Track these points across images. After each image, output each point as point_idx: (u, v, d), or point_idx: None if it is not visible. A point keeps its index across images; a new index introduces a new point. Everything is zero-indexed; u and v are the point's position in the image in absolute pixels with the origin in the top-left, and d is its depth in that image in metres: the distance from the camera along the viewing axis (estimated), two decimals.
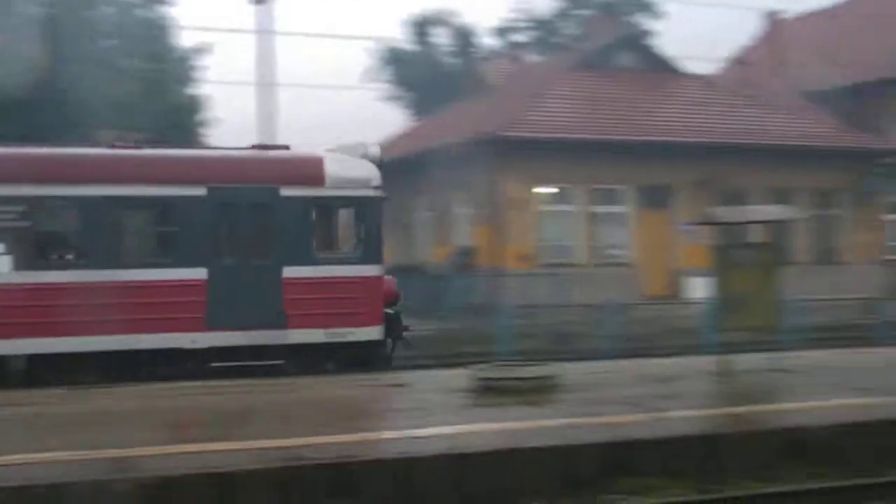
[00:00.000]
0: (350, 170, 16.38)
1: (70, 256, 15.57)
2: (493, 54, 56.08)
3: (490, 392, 13.04)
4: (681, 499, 9.44)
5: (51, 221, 15.64)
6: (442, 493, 9.34)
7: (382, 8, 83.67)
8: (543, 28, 58.55)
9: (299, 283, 15.78)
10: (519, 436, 10.28)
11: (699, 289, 24.66)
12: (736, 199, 30.27)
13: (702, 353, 17.25)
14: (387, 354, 16.91)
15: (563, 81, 35.33)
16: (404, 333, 17.06)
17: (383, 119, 52.92)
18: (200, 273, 15.43)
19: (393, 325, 16.71)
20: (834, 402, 12.25)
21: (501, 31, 58.66)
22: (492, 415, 11.50)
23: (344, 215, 16.67)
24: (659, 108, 34.26)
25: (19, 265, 14.75)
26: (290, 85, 63.03)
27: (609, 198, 32.23)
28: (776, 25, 44.85)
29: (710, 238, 15.75)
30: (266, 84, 32.18)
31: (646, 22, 54.33)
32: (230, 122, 41.59)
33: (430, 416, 11.53)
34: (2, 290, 14.64)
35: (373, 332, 16.25)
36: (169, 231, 15.66)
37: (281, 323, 15.68)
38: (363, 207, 16.32)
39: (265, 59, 32.10)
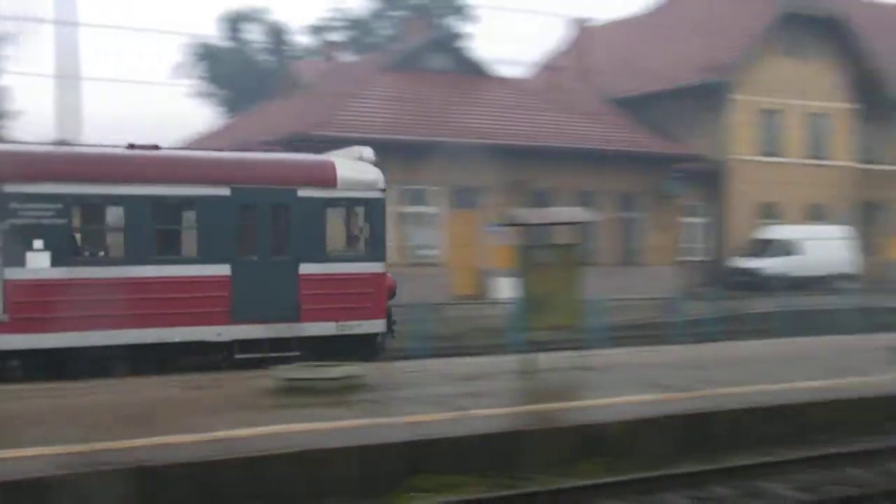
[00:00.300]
0: (359, 173, 17.41)
1: (103, 253, 16.35)
2: (307, 52, 55.76)
3: (296, 392, 12.91)
4: (477, 496, 9.53)
5: (86, 219, 16.46)
6: (239, 497, 9.17)
7: (194, 3, 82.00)
8: (358, 28, 58.62)
9: (314, 279, 16.70)
10: (320, 436, 10.20)
11: (506, 289, 25.08)
12: (543, 200, 31.02)
13: (508, 353, 17.55)
14: (382, 345, 17.84)
15: (375, 82, 35.41)
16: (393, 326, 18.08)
17: (193, 116, 51.86)
18: (225, 269, 16.18)
19: (390, 318, 17.74)
20: (630, 398, 12.64)
21: (316, 30, 58.41)
22: (295, 415, 11.37)
23: (353, 215, 17.63)
24: (470, 110, 34.72)
25: (57, 261, 15.17)
26: (95, 79, 61.08)
27: (420, 198, 32.44)
28: (583, 32, 46.17)
29: (515, 239, 16.02)
30: (67, 77, 30.95)
31: (459, 25, 55.08)
32: (33, 114, 39.93)
33: (233, 417, 11.31)
34: (42, 285, 15.04)
35: (378, 325, 17.30)
36: (196, 229, 16.38)
37: (297, 316, 16.59)
38: (370, 208, 17.37)
39: (67, 51, 30.88)
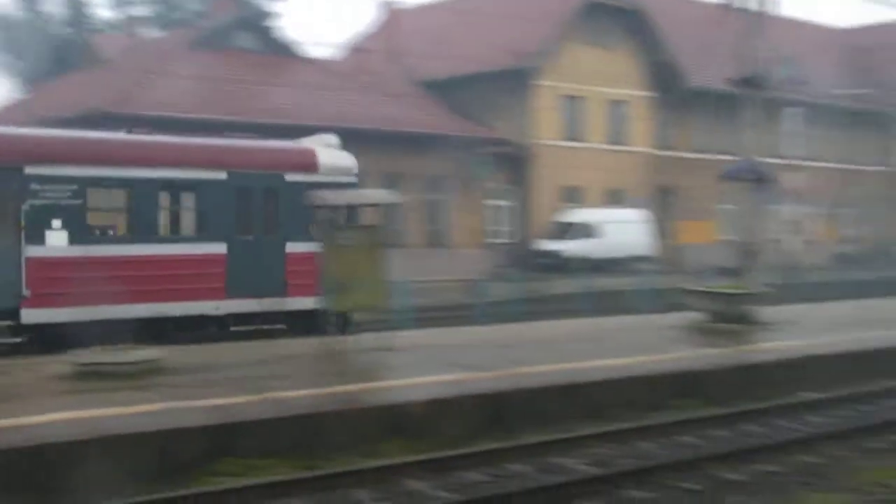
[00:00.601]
0: (336, 159, 18.90)
1: (112, 232, 17.15)
2: (109, 26, 53.86)
3: (93, 377, 12.52)
4: (281, 477, 9.48)
5: (99, 200, 16.80)
6: (17, 490, 8.79)
7: None
8: (163, 2, 56.95)
9: (298, 257, 17.72)
10: (115, 421, 9.93)
11: None
12: None
13: (317, 335, 17.45)
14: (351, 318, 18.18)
15: (179, 59, 34.54)
16: None
17: None
18: (222, 248, 17.30)
19: None
20: (433, 378, 12.80)
21: (119, 3, 56.42)
22: (89, 401, 11.01)
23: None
24: (277, 90, 34.30)
25: (73, 240, 15.99)
26: None
27: None
28: (393, 15, 46.28)
29: (318, 220, 15.97)
30: None
31: (267, 4, 54.21)
32: None
33: (20, 405, 10.87)
34: (59, 262, 15.80)
35: None
36: (197, 210, 17.43)
37: (284, 292, 17.82)
38: (347, 191, 18.18)
39: None
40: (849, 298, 26.71)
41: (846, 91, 49.24)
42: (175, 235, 17.46)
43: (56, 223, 15.80)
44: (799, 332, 18.33)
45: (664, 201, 44.86)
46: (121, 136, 17.67)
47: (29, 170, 15.64)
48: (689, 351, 15.97)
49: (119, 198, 17.05)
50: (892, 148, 55.56)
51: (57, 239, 15.82)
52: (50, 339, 15.21)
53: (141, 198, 16.81)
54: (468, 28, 42.70)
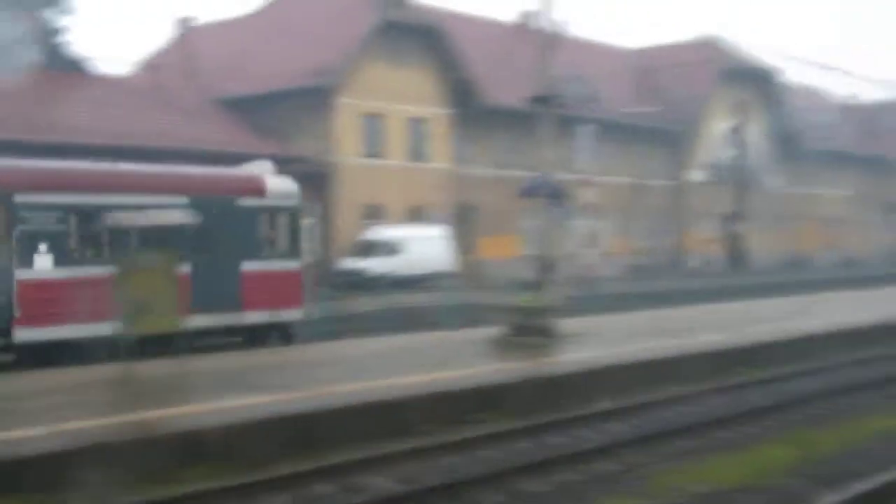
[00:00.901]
0: (281, 184, 20.47)
1: (90, 254, 17.62)
2: None
3: None
4: None
5: (80, 225, 17.49)
6: None
7: None
8: None
9: (252, 275, 19.27)
10: None
11: None
12: None
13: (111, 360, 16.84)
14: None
15: None
16: None
17: None
18: (187, 267, 17.77)
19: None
20: (234, 402, 12.50)
21: None
22: None
23: (278, 220, 20.19)
24: (66, 108, 33.04)
25: (57, 262, 16.92)
26: None
27: None
28: (189, 32, 45.40)
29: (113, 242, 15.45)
30: None
31: (55, 18, 52.20)
32: None
33: None
34: (45, 283, 16.70)
35: (298, 313, 20.27)
36: (164, 232, 17.54)
37: (240, 307, 19.03)
38: (291, 214, 20.27)
39: None
40: (643, 309, 27.71)
41: (636, 109, 51.26)
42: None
43: (42, 247, 16.71)
44: (597, 342, 18.85)
45: (466, 218, 45.53)
46: (98, 165, 19.09)
47: (18, 198, 16.56)
48: (492, 365, 16.17)
49: (97, 222, 17.56)
50: (680, 163, 58.16)
51: (43, 262, 16.76)
52: (38, 356, 16.29)
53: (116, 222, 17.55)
54: (267, 45, 42.32)
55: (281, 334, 20.01)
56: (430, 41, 44.13)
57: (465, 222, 45.25)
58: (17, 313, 16.39)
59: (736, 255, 59.46)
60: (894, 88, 59.64)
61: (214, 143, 35.15)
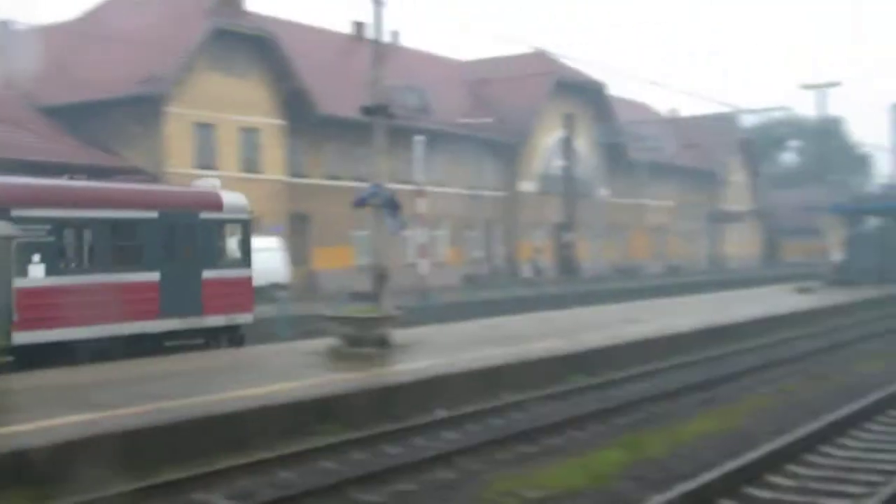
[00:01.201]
0: (234, 200, 22.02)
1: (75, 265, 19.20)
2: None
3: None
4: None
5: (65, 237, 19.07)
6: None
7: None
8: None
9: (212, 282, 20.81)
10: None
11: None
12: None
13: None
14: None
15: None
16: None
17: None
18: (156, 275, 19.83)
19: None
20: (62, 419, 12.08)
21: None
22: None
23: (232, 232, 21.82)
24: None
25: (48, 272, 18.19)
26: None
27: None
28: (9, 36, 43.69)
29: None
30: None
31: None
32: None
33: None
34: (38, 291, 18.00)
35: (250, 317, 21.82)
36: (138, 243, 19.99)
37: (201, 311, 20.62)
38: (243, 226, 21.95)
39: None
40: (477, 317, 28.07)
41: (470, 120, 51.94)
42: (123, 265, 19.61)
43: (36, 258, 17.96)
44: (432, 352, 18.99)
45: (300, 228, 45.22)
46: (82, 182, 20.27)
47: (16, 212, 17.77)
48: (328, 376, 16.10)
49: (83, 235, 19.24)
50: (513, 173, 59.19)
51: (37, 271, 18.04)
52: (32, 358, 17.24)
53: (99, 234, 19.25)
54: (94, 52, 41.14)
55: (232, 337, 21.37)
56: (263, 50, 43.70)
57: (298, 233, 44.94)
58: (15, 318, 17.66)
59: (567, 264, 60.86)
60: (711, 101, 62.26)
61: (36, 153, 33.87)
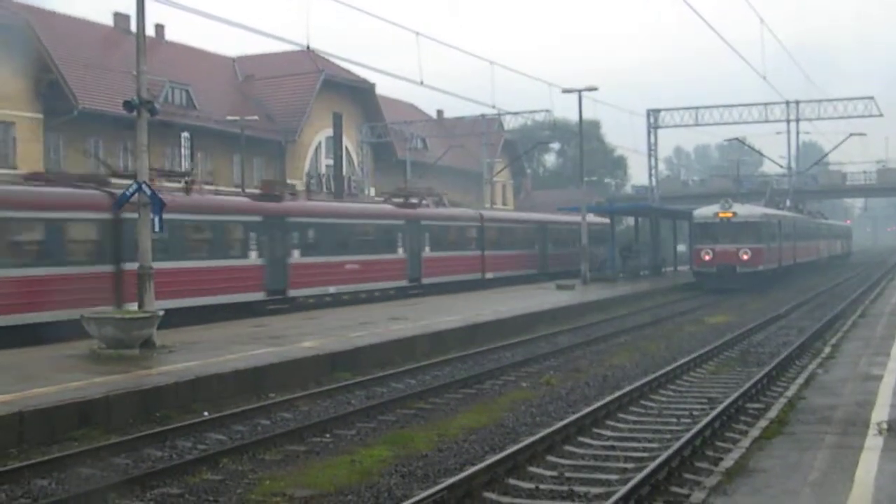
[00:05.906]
0: None
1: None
2: None
3: None
4: None
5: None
6: None
7: None
8: None
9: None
10: None
11: None
12: None
13: None
14: None
15: None
16: None
17: None
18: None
19: None
20: None
21: None
22: None
23: None
24: None
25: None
26: None
27: None
28: None
29: None
30: None
31: None
32: None
33: None
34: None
35: None
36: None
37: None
38: None
39: None
40: (246, 317, 27.68)
41: (237, 117, 51.13)
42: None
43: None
44: (198, 352, 18.64)
45: None
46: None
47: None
48: (86, 379, 15.52)
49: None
50: (281, 171, 58.74)
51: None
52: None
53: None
54: None
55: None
56: (17, 41, 41.62)
57: None
58: None
59: None
60: (477, 104, 63.96)
61: None
